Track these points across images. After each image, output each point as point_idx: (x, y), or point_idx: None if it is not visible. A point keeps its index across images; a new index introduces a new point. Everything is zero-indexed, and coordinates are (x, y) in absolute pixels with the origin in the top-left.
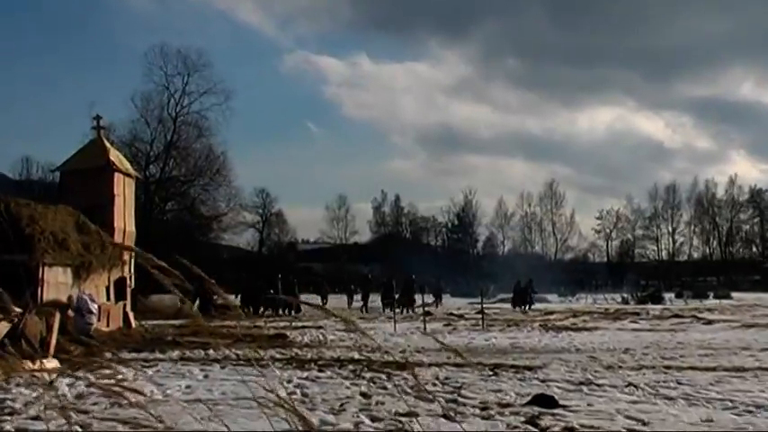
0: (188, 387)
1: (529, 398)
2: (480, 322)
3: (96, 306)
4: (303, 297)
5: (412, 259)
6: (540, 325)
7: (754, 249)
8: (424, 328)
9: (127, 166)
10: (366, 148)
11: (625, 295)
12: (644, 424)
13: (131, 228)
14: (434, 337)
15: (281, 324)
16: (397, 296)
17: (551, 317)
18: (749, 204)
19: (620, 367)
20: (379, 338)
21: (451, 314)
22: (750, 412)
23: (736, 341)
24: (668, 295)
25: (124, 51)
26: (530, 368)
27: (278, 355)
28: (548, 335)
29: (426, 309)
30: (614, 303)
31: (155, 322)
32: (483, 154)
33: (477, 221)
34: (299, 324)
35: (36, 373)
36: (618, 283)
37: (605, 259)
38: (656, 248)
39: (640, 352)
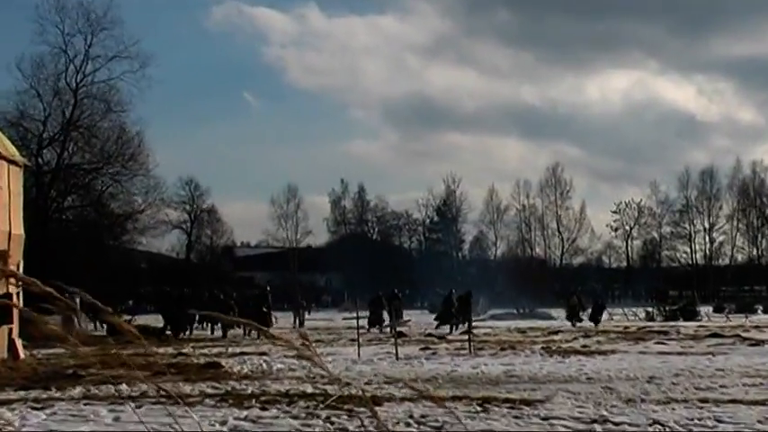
0: None
1: None
2: (467, 345)
3: None
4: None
5: (381, 266)
6: (543, 348)
7: None
8: (396, 354)
9: (12, 151)
10: (320, 125)
11: (650, 309)
12: None
13: (19, 230)
14: (410, 363)
15: (215, 350)
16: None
17: (556, 337)
18: None
19: (644, 401)
20: (340, 367)
21: (431, 335)
22: None
23: None
24: (704, 309)
25: (7, 2)
26: (528, 402)
27: (210, 390)
28: (551, 360)
29: (399, 328)
30: (636, 320)
31: (50, 351)
32: (468, 131)
33: (463, 217)
34: (238, 350)
35: None
36: (640, 293)
37: (624, 264)
38: (688, 250)
39: (669, 381)
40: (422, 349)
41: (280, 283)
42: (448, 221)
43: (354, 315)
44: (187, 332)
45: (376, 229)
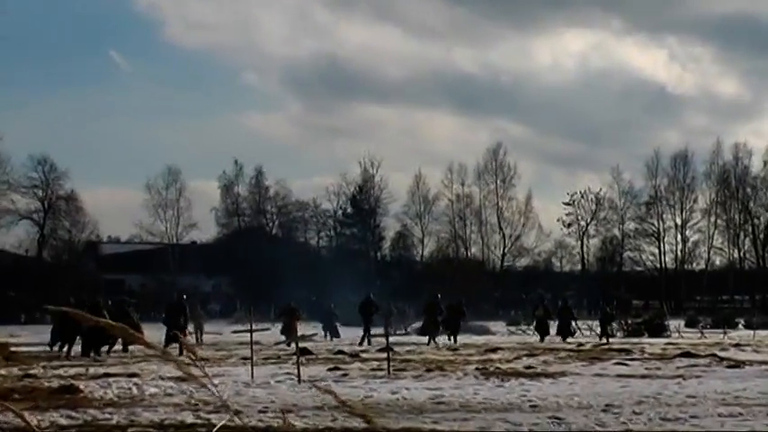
0: None
1: None
2: (385, 364)
3: None
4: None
5: (282, 267)
6: (478, 368)
7: None
8: (299, 375)
9: None
10: (206, 93)
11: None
12: None
13: None
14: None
15: (72, 371)
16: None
17: (494, 355)
18: None
19: None
20: (229, 391)
21: (341, 352)
22: None
23: None
24: (675, 323)
25: None
26: None
27: (64, 421)
28: (488, 384)
29: (303, 344)
30: (591, 335)
31: None
32: (390, 103)
33: (383, 209)
34: (101, 370)
35: None
36: (597, 303)
37: (579, 267)
38: (656, 251)
39: (630, 410)
40: (330, 370)
41: (155, 288)
42: (364, 214)
43: (248, 327)
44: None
45: (276, 222)
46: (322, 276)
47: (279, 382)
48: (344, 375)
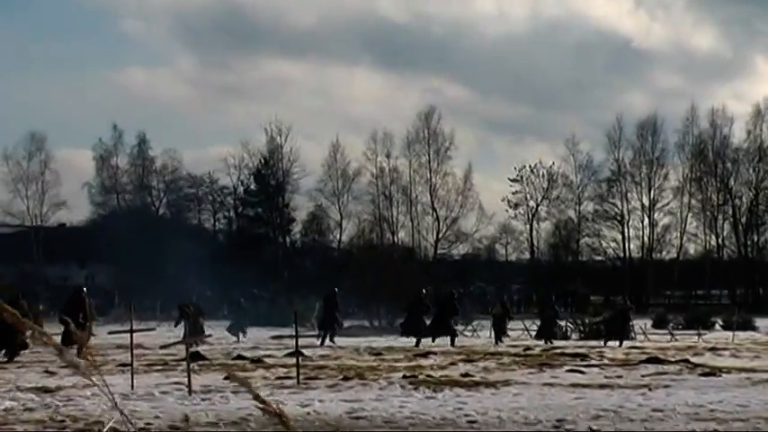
0: None
1: None
2: (294, 372)
3: None
4: None
5: (170, 255)
6: (405, 376)
7: None
8: (189, 386)
9: None
10: (78, 44)
11: (562, 322)
12: None
13: None
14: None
15: None
16: None
17: (425, 361)
18: None
19: None
20: (103, 404)
21: (241, 357)
22: None
23: (760, 407)
24: (640, 323)
25: None
26: None
27: None
28: (417, 395)
29: (196, 347)
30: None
31: None
32: (300, 58)
33: (293, 185)
34: None
35: None
36: (549, 298)
37: (527, 256)
38: (619, 237)
39: (585, 426)
40: (227, 378)
41: (15, 280)
42: (271, 191)
43: (128, 328)
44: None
45: (164, 201)
46: (219, 266)
47: (165, 393)
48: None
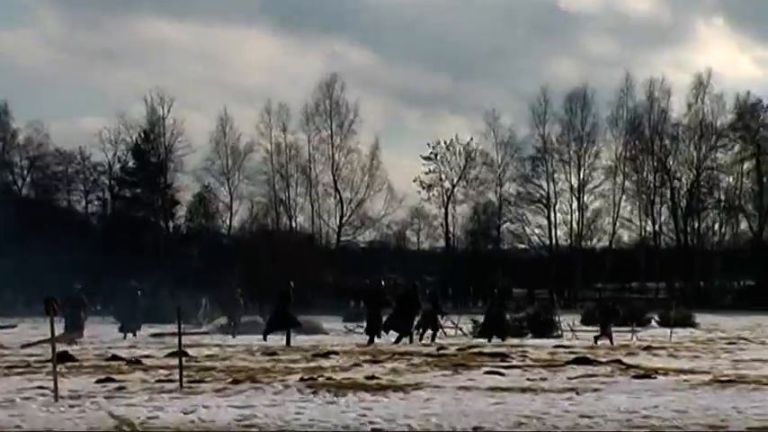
0: None
1: None
2: (177, 374)
3: None
4: None
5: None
6: (303, 379)
7: (745, 224)
8: (56, 391)
9: None
10: None
11: (478, 319)
12: None
13: None
14: None
15: None
16: None
17: (326, 362)
18: (734, 132)
19: None
20: None
21: (116, 358)
22: None
23: (699, 413)
24: (567, 319)
25: None
26: None
27: None
28: (316, 400)
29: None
30: (457, 335)
31: None
32: (184, 18)
33: (177, 163)
34: None
35: None
36: (464, 293)
37: (442, 243)
38: (545, 222)
39: None
40: (100, 382)
41: None
42: (152, 169)
43: None
44: None
45: (28, 180)
46: (92, 254)
47: (27, 399)
48: (120, 389)
